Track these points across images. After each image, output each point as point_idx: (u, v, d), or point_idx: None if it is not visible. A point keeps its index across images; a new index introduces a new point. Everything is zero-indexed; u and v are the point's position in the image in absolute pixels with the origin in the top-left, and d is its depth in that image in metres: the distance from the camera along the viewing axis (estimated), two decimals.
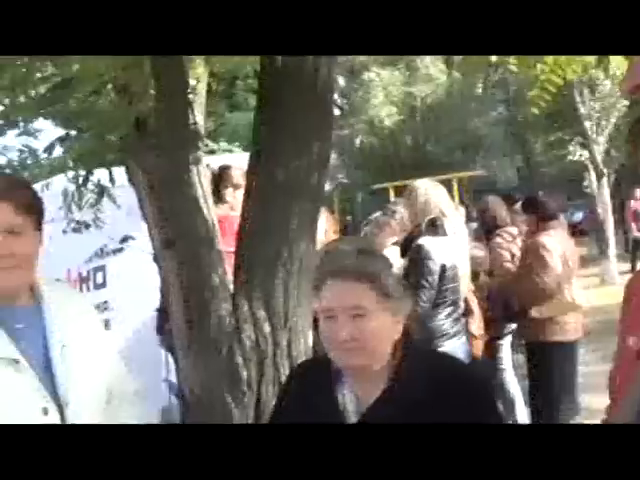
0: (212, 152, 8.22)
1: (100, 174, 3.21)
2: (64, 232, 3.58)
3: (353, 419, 1.78)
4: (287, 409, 1.94)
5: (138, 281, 4.44)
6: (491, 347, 4.80)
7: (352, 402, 1.81)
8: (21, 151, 16.92)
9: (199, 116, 3.00)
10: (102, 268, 4.87)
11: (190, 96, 2.91)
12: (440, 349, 3.70)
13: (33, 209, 1.92)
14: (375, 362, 1.79)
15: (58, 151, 3.15)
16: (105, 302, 4.91)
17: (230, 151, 11.11)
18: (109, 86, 2.83)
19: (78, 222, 3.44)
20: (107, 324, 4.84)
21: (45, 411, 1.87)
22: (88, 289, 4.93)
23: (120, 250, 3.84)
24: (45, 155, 3.26)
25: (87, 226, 3.45)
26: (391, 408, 1.58)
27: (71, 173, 3.17)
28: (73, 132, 3.13)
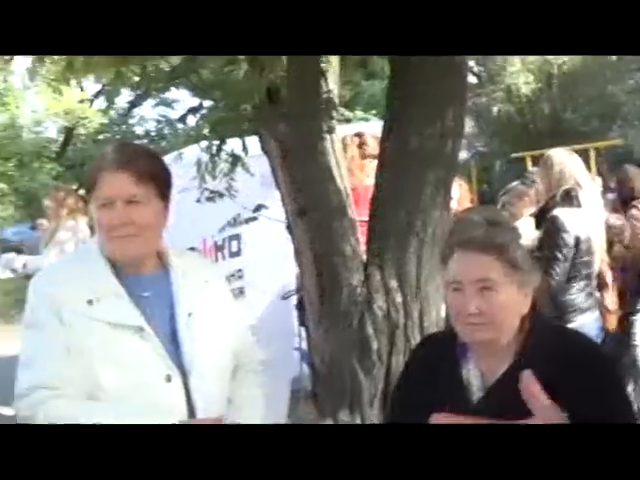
0: (348, 121, 8.21)
1: (233, 143, 3.24)
2: (198, 201, 3.64)
3: (477, 394, 1.73)
4: (411, 383, 1.91)
5: (272, 250, 4.49)
6: (625, 322, 4.59)
7: (477, 377, 1.76)
8: (158, 121, 17.55)
9: (333, 85, 2.96)
10: (237, 237, 4.94)
11: (323, 65, 2.88)
12: (572, 324, 3.59)
13: (155, 178, 1.95)
14: (502, 336, 1.73)
15: (192, 121, 3.20)
16: (239, 270, 4.99)
17: (366, 119, 11.09)
18: (241, 57, 2.84)
19: (212, 191, 3.47)
20: (241, 292, 4.94)
21: (168, 378, 1.90)
22: (223, 257, 5.02)
23: (254, 219, 3.88)
24: (181, 125, 3.32)
25: (221, 195, 3.48)
26: (516, 384, 1.51)
27: (204, 143, 3.22)
28: (207, 102, 3.16)
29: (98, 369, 1.86)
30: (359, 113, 12.88)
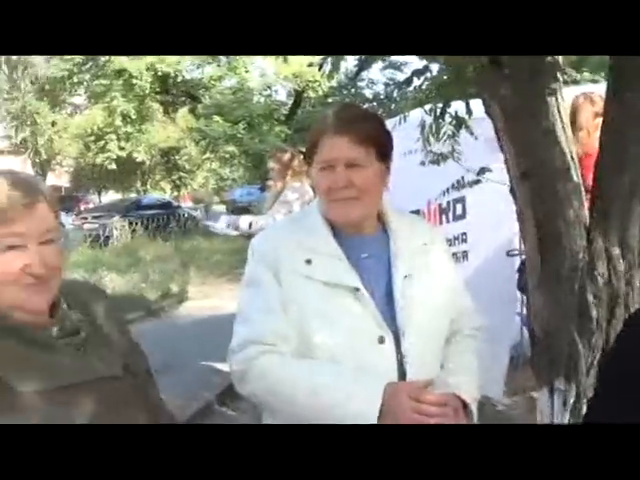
0: (576, 82, 7.81)
1: (457, 106, 3.24)
2: (422, 164, 3.68)
3: None
4: (621, 357, 1.83)
5: (495, 214, 4.44)
6: None
7: None
8: (386, 84, 17.66)
9: None
10: (462, 199, 4.92)
11: None
12: None
13: (375, 141, 1.96)
14: None
15: (418, 84, 3.23)
16: (464, 234, 4.99)
17: (594, 81, 10.49)
18: None
19: (435, 154, 3.51)
20: (465, 256, 4.94)
21: (381, 339, 1.92)
22: (447, 221, 5.03)
23: (477, 182, 3.85)
24: (409, 88, 3.36)
25: (444, 158, 3.51)
26: None
27: (428, 105, 3.24)
28: (433, 65, 3.18)
29: (312, 328, 1.92)
30: (586, 75, 12.19)
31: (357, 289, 1.93)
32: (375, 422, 1.77)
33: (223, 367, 6.66)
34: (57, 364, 1.55)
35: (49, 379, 1.51)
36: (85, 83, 26.82)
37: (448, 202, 5.01)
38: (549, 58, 2.72)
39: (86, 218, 21.50)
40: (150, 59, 22.99)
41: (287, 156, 6.06)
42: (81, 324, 1.64)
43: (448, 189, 4.83)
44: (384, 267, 2.01)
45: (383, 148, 1.99)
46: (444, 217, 5.06)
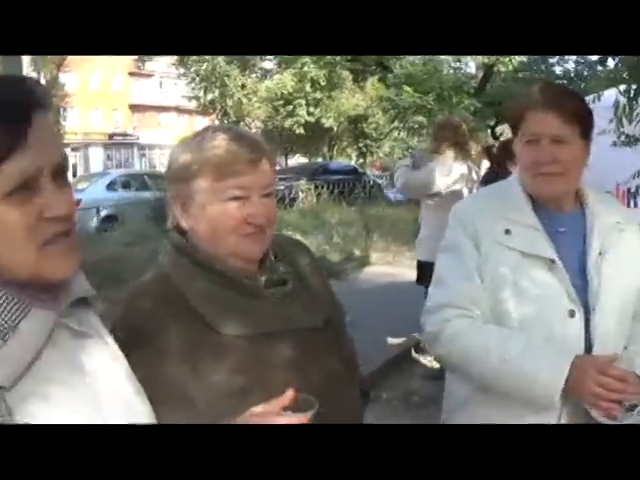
0: None
1: None
2: (614, 145, 3.63)
3: None
4: None
5: None
6: None
7: None
8: (577, 62, 16.89)
9: None
10: None
11: None
12: None
13: (580, 119, 2.00)
14: None
15: (612, 64, 3.21)
16: None
17: None
18: None
19: (628, 136, 3.46)
20: None
21: (571, 313, 1.96)
22: (635, 205, 4.89)
23: None
24: (600, 68, 3.35)
25: (636, 140, 3.46)
26: None
27: (622, 86, 3.20)
28: None
29: (505, 296, 1.99)
30: None
31: (553, 261, 1.99)
32: (560, 393, 1.83)
33: (396, 336, 6.87)
34: (262, 311, 1.63)
35: (252, 325, 1.60)
36: None
37: (637, 186, 4.86)
38: None
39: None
40: None
41: (453, 126, 5.89)
42: (287, 276, 1.72)
43: (638, 172, 4.71)
44: (579, 243, 2.05)
45: (587, 126, 2.03)
46: (632, 201, 4.91)
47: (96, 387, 1.17)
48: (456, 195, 5.45)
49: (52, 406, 1.08)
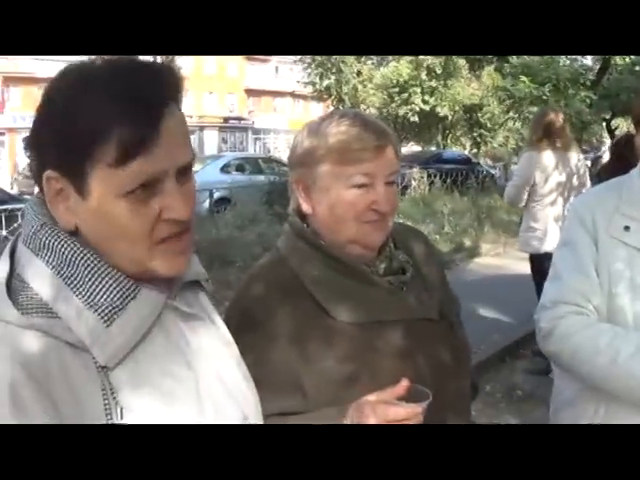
0: None
1: None
2: None
3: None
4: None
5: None
6: None
7: None
8: None
9: None
10: None
11: None
12: None
13: None
14: None
15: None
16: None
17: None
18: None
19: None
20: None
21: None
22: None
23: None
24: None
25: None
26: None
27: None
28: None
29: (619, 292, 1.94)
30: None
31: None
32: None
33: (503, 329, 6.77)
34: (377, 299, 1.61)
35: (367, 312, 1.58)
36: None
37: None
38: None
39: None
40: None
41: (551, 118, 5.77)
42: (406, 264, 1.71)
43: None
44: None
45: None
46: None
47: (202, 371, 1.16)
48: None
49: (154, 388, 1.08)
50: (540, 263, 5.50)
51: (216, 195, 14.97)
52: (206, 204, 14.31)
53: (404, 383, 1.31)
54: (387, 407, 1.29)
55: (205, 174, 16.53)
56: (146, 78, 1.06)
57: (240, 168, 19.16)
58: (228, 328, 1.34)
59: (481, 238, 11.78)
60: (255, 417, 1.26)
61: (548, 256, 5.40)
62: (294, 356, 1.52)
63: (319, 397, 1.49)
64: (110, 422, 1.02)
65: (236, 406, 1.21)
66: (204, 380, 1.16)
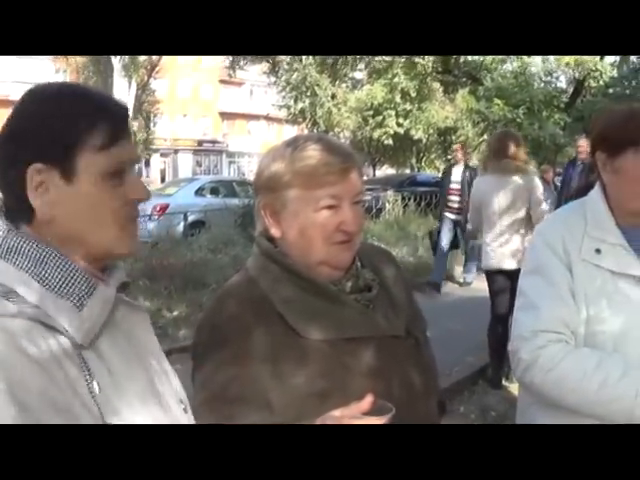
0: None
1: None
2: None
3: None
4: None
5: None
6: None
7: None
8: None
9: None
10: None
11: None
12: None
13: None
14: None
15: None
16: None
17: None
18: None
19: None
20: None
21: None
22: None
23: None
24: None
25: None
26: None
27: None
28: None
29: (597, 316, 1.95)
30: None
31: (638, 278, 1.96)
32: None
33: (475, 353, 6.78)
34: (346, 317, 1.65)
35: (337, 330, 1.62)
36: (367, 59, 27.50)
37: None
38: None
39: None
40: None
41: (497, 140, 5.96)
42: (372, 282, 1.74)
43: None
44: None
45: None
46: None
47: (149, 356, 1.31)
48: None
49: (119, 364, 1.20)
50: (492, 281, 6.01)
51: (190, 218, 14.93)
52: (180, 227, 14.26)
53: (368, 399, 1.34)
54: (351, 421, 1.31)
55: (179, 197, 16.49)
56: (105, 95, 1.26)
57: (214, 191, 19.11)
58: (197, 344, 1.45)
59: (455, 261, 11.82)
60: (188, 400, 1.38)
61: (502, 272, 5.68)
62: (264, 372, 1.55)
63: (287, 413, 1.51)
64: (91, 393, 1.12)
65: (174, 392, 1.33)
66: (148, 359, 1.31)
